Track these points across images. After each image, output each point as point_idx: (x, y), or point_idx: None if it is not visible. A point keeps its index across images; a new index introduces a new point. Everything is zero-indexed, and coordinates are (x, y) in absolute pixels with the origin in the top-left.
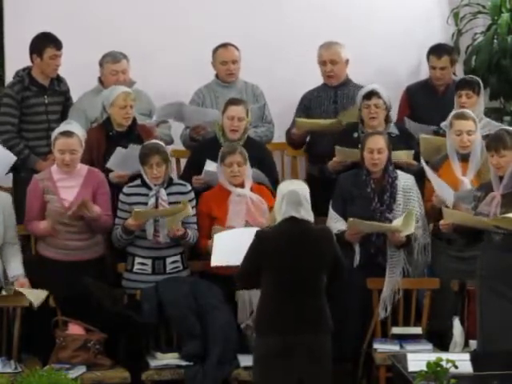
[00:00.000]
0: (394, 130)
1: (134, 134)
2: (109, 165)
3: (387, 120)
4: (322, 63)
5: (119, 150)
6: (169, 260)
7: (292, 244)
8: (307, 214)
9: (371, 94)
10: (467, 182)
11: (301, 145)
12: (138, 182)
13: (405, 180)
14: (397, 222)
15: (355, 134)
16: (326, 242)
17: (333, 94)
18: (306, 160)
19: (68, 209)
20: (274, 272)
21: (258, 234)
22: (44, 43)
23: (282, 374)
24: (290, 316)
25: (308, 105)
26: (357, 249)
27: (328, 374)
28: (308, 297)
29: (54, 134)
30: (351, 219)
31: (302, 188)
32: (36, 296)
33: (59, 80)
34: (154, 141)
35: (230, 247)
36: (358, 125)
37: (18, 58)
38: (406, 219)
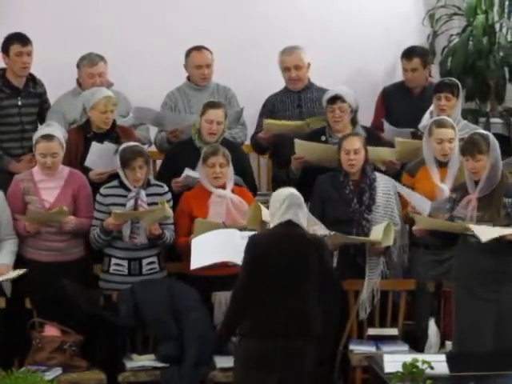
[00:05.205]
0: (360, 131)
1: (112, 135)
2: (87, 163)
3: (353, 122)
4: (286, 69)
5: (95, 145)
6: (145, 261)
7: (286, 248)
8: (303, 218)
9: (335, 98)
10: (446, 189)
11: (266, 149)
12: (116, 182)
13: (384, 182)
14: (376, 231)
15: (323, 138)
16: (318, 250)
17: (296, 98)
18: (272, 164)
19: (49, 210)
20: (263, 275)
21: (251, 240)
22: (9, 41)
23: (263, 378)
24: (278, 320)
25: (272, 109)
26: (335, 252)
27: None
28: (296, 300)
29: (35, 137)
30: (333, 233)
31: (299, 194)
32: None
33: (35, 82)
34: (134, 143)
35: (207, 249)
36: (326, 128)
37: None
38: (386, 231)
